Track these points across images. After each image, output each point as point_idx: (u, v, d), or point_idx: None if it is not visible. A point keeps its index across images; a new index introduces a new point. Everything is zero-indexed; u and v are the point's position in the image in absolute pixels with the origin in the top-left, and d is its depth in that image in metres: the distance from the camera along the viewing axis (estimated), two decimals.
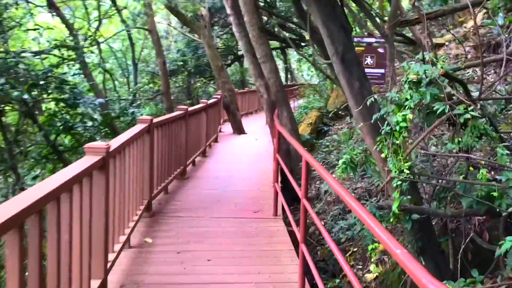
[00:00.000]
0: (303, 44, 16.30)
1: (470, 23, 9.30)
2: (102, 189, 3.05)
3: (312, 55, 13.52)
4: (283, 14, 14.39)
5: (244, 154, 9.54)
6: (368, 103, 3.53)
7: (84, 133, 8.42)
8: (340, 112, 12.52)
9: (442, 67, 3.10)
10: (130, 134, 4.16)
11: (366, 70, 7.06)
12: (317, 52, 6.39)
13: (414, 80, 3.08)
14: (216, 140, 11.28)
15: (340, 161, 4.39)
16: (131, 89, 16.97)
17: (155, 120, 5.29)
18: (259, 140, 11.84)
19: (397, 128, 3.04)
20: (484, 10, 8.05)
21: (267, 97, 8.29)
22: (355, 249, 5.69)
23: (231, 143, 11.22)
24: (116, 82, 19.71)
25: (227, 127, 14.01)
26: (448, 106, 2.96)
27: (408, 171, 3.08)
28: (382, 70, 7.01)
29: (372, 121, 3.57)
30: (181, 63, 18.53)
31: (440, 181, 3.87)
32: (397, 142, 3.12)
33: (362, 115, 3.67)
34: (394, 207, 3.13)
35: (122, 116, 9.97)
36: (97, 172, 2.99)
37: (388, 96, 3.35)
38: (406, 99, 3.10)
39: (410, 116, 3.03)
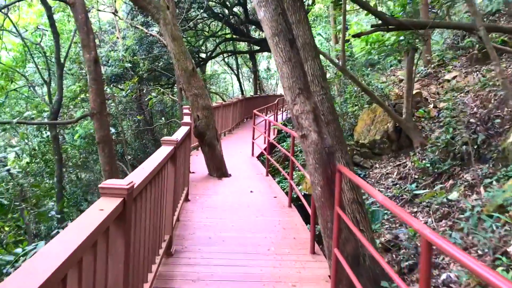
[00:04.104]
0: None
1: None
2: None
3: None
4: None
5: (248, 240, 4.83)
6: None
7: None
8: (380, 145, 8.08)
9: None
10: None
11: None
12: None
13: None
14: (186, 198, 6.48)
15: None
16: (54, 101, 11.62)
17: None
18: (257, 193, 7.19)
19: None
20: None
21: (317, 139, 3.66)
22: None
23: (213, 203, 6.45)
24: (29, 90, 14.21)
25: (197, 161, 9.24)
26: None
27: None
28: None
29: None
30: (130, 65, 13.51)
31: None
32: None
33: None
34: None
35: None
36: None
37: None
38: None
39: None
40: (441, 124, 7.66)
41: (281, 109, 19.90)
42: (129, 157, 21.83)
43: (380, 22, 5.07)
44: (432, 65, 9.43)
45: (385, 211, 5.39)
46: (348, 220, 3.50)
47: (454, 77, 8.75)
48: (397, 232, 5.35)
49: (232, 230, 5.27)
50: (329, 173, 3.73)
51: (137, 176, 2.85)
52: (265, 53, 32.92)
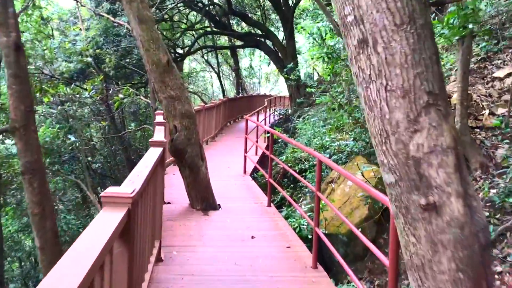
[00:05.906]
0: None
1: None
2: None
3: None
4: None
5: None
6: None
7: None
8: None
9: None
10: None
11: None
12: None
13: None
14: (158, 257, 4.22)
15: None
16: None
17: None
18: (261, 238, 5.01)
19: None
20: None
21: (463, 214, 1.52)
22: None
23: (199, 266, 4.22)
24: None
25: (174, 183, 7.04)
26: None
27: None
28: None
29: None
30: (90, 59, 11.10)
31: None
32: None
33: None
34: None
35: None
36: None
37: None
38: None
39: None
40: (509, 137, 5.65)
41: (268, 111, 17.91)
42: (97, 165, 19.35)
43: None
44: (475, 59, 7.45)
45: None
46: None
47: (509, 75, 6.78)
48: None
49: None
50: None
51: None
52: (247, 50, 30.71)
